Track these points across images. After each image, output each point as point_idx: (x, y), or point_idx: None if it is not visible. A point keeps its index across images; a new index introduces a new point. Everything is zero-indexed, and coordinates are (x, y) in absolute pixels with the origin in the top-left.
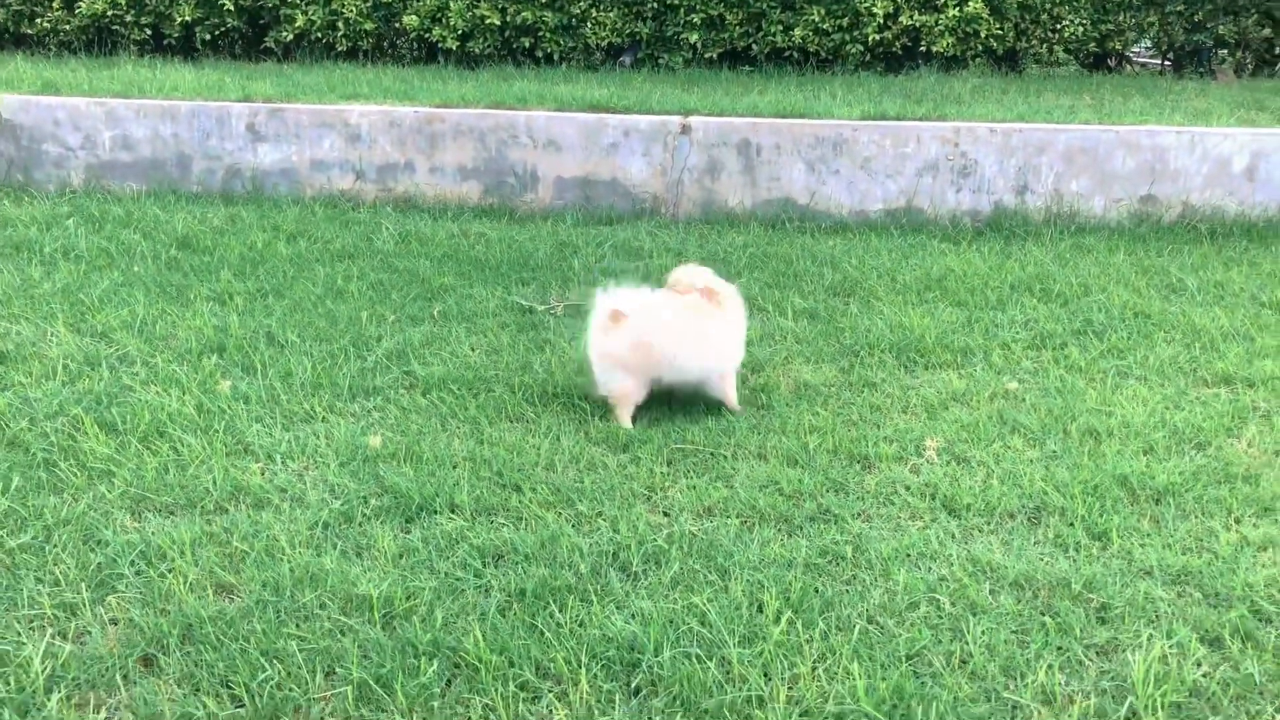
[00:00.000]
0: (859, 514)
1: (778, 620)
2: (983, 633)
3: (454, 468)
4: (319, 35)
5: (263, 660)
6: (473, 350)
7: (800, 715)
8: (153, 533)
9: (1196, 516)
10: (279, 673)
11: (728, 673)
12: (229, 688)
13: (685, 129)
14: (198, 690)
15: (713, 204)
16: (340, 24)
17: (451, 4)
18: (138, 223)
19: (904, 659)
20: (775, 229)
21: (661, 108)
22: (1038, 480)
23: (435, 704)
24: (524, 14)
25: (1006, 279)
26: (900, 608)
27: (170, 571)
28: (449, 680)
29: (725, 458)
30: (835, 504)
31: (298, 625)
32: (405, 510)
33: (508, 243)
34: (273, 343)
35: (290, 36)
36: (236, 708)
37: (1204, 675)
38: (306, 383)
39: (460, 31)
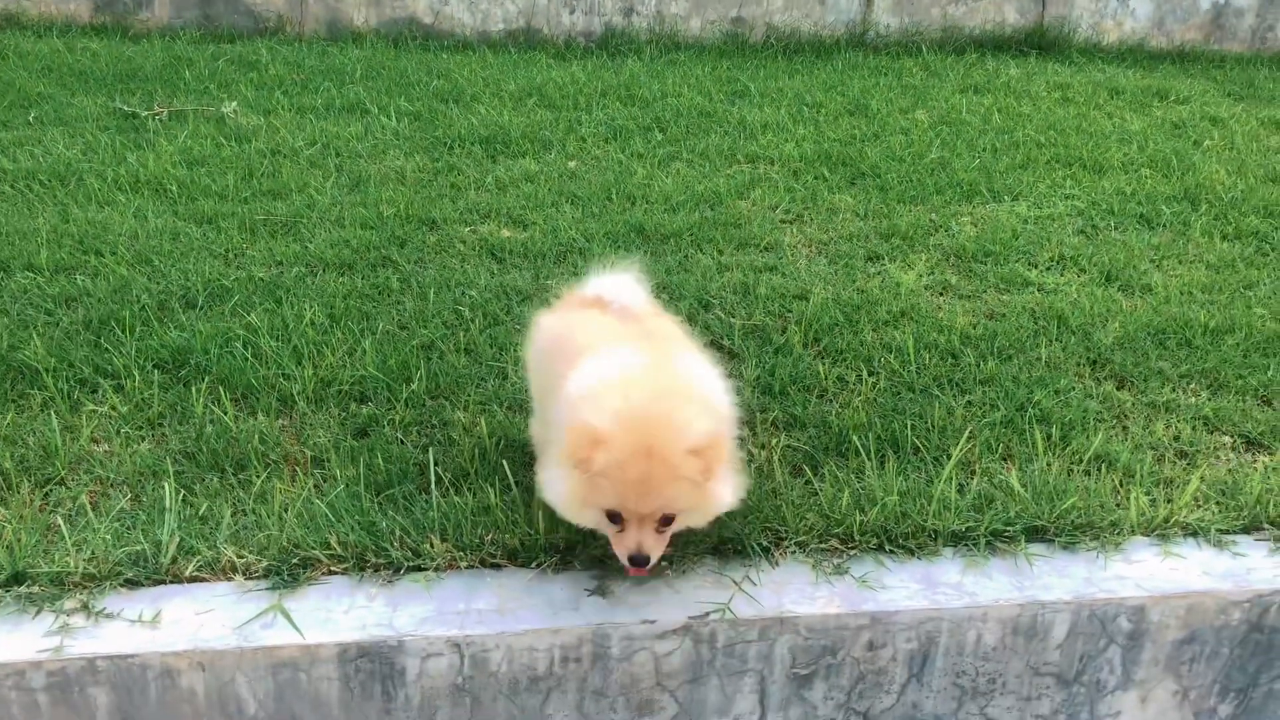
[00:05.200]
0: (415, 260)
1: (313, 325)
2: (487, 322)
3: (35, 238)
4: None
5: None
6: (68, 150)
7: (321, 383)
8: None
9: (689, 250)
10: None
11: (262, 359)
12: None
13: None
14: None
15: (338, 22)
16: None
17: None
18: None
19: (419, 349)
20: (399, 46)
21: None
22: (572, 232)
23: None
24: None
25: (599, 87)
26: (428, 316)
27: None
28: (12, 383)
29: (305, 225)
30: (396, 254)
31: None
32: None
33: (116, 57)
34: None
35: None
36: None
37: None
38: None
39: None
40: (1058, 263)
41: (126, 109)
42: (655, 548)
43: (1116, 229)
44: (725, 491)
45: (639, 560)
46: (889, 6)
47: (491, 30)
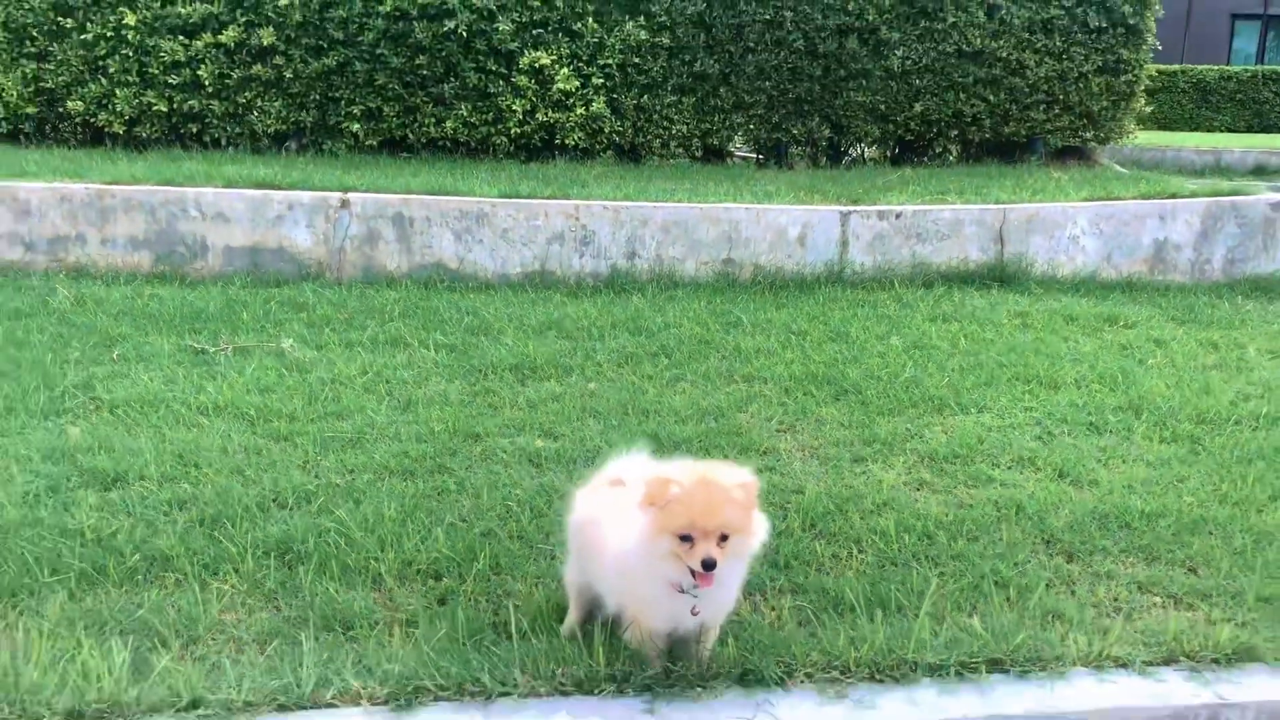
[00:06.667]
0: (466, 467)
1: (393, 520)
2: (533, 514)
3: (141, 455)
4: None
5: None
6: (151, 382)
7: (403, 563)
8: None
9: (697, 455)
10: (11, 571)
11: (353, 546)
12: None
13: (345, 203)
14: None
15: (373, 268)
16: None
17: (117, 91)
18: None
19: (480, 535)
20: (429, 288)
21: (323, 185)
22: (597, 441)
23: (139, 578)
24: (191, 102)
25: (609, 320)
26: (483, 510)
27: None
28: (150, 565)
29: (368, 440)
30: (449, 462)
31: (20, 545)
32: (103, 482)
33: (180, 301)
34: None
35: None
36: None
37: None
38: (0, 408)
39: (127, 117)
40: (1017, 463)
41: (196, 346)
42: (719, 556)
43: (1069, 435)
44: (761, 523)
45: (709, 564)
46: (863, 247)
47: (510, 273)
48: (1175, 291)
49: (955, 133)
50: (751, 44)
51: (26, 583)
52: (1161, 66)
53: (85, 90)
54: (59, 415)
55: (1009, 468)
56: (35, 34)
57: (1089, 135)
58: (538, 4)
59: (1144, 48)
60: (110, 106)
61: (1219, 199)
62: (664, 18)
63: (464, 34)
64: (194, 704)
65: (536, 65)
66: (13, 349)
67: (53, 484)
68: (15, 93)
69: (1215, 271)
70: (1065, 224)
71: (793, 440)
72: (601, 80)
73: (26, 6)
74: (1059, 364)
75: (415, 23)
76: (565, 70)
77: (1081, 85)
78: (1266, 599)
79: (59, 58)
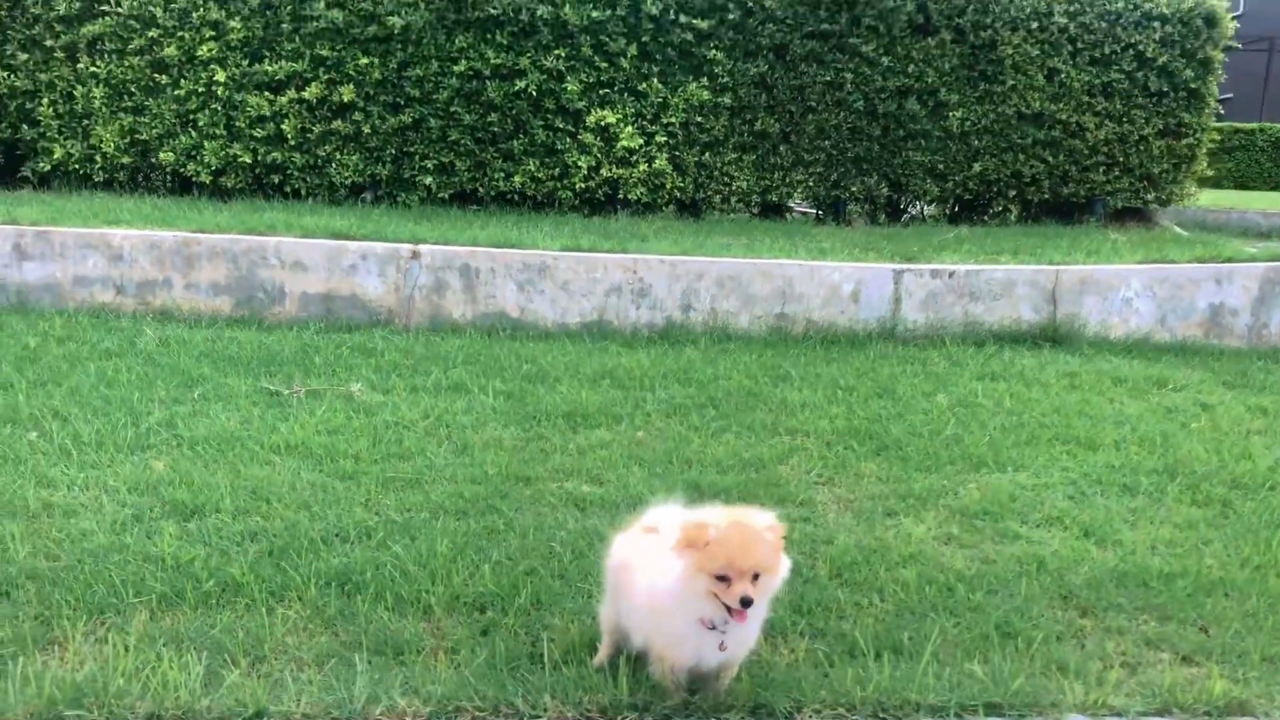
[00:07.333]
0: (515, 509)
1: (444, 556)
2: (575, 555)
3: (218, 490)
4: (76, 167)
5: (89, 583)
6: (229, 421)
7: (451, 596)
8: None
9: (733, 504)
10: (101, 591)
11: (407, 578)
12: (68, 604)
13: (415, 254)
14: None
15: (439, 316)
16: (98, 157)
17: (206, 143)
18: None
19: (523, 573)
20: (491, 336)
21: (395, 236)
22: (640, 488)
23: (213, 602)
24: (274, 154)
25: (661, 371)
26: (529, 549)
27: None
28: (223, 591)
29: (427, 481)
30: (499, 503)
31: (109, 569)
32: (183, 513)
33: (257, 345)
34: (58, 416)
35: (47, 167)
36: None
37: None
38: (92, 442)
39: (214, 167)
40: (1046, 521)
41: (271, 388)
42: (754, 593)
43: (1101, 495)
44: (785, 563)
45: (747, 601)
46: (916, 305)
47: (569, 323)
48: (1230, 356)
49: (1014, 193)
50: (812, 104)
51: (113, 602)
52: (1239, 125)
53: (176, 142)
54: (144, 450)
55: (1037, 525)
56: (133, 89)
57: (1149, 197)
58: (604, 65)
59: (1206, 111)
60: (199, 158)
61: (1277, 264)
62: (726, 79)
63: (534, 93)
64: (258, 715)
65: (602, 123)
66: (104, 387)
67: (138, 514)
68: (113, 144)
69: (1273, 336)
70: (1119, 286)
71: (829, 493)
72: (664, 138)
73: (126, 65)
74: (1101, 425)
75: (488, 82)
76: (630, 128)
77: (1142, 148)
78: (1270, 658)
79: (153, 111)
